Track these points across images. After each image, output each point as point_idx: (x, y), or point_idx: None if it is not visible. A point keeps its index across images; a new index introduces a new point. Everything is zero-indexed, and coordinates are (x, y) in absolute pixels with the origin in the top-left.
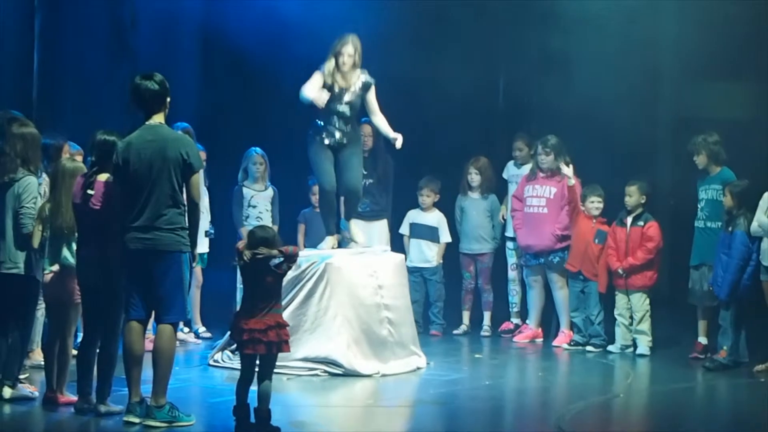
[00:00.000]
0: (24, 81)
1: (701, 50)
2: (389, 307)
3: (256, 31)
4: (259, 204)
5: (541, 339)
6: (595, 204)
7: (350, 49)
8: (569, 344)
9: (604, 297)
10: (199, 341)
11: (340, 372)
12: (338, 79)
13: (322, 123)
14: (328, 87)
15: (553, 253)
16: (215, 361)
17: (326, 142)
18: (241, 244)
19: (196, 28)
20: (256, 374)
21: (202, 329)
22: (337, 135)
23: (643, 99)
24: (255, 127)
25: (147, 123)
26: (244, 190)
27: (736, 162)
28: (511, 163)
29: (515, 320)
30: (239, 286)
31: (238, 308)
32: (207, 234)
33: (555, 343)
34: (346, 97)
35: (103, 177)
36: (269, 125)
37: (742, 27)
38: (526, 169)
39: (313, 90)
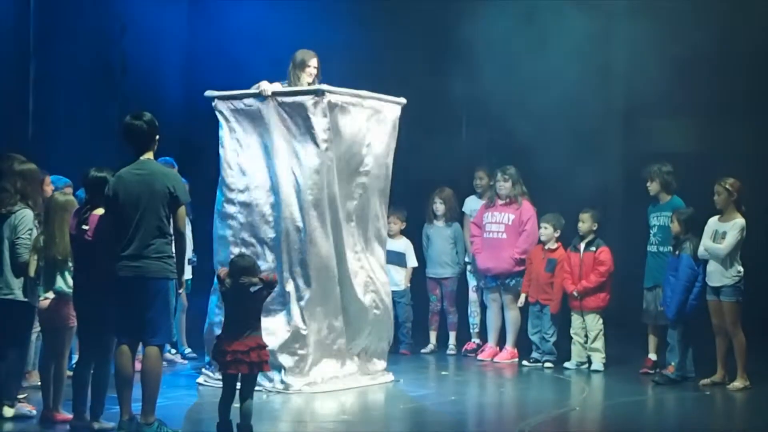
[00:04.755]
0: (20, 122)
1: (653, 87)
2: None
3: (234, 74)
4: None
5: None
6: (541, 230)
7: None
8: (529, 361)
9: (559, 317)
10: (186, 361)
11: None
12: None
13: None
14: None
15: (510, 277)
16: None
17: None
18: (222, 272)
19: (180, 72)
20: (237, 392)
21: (188, 350)
22: None
23: (596, 132)
24: None
25: (138, 159)
26: None
27: (681, 192)
28: (473, 197)
29: (476, 340)
30: (212, 308)
31: (210, 327)
32: (190, 261)
33: (497, 359)
34: None
35: (97, 212)
36: None
37: (690, 66)
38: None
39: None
